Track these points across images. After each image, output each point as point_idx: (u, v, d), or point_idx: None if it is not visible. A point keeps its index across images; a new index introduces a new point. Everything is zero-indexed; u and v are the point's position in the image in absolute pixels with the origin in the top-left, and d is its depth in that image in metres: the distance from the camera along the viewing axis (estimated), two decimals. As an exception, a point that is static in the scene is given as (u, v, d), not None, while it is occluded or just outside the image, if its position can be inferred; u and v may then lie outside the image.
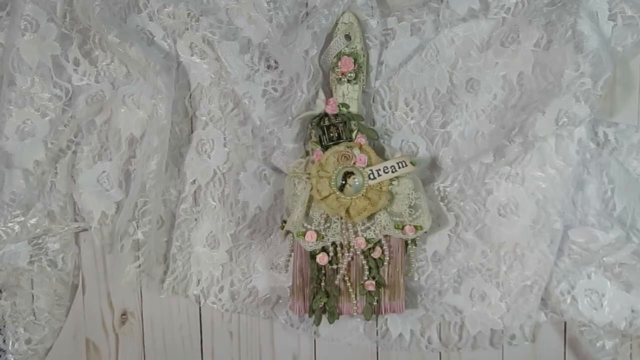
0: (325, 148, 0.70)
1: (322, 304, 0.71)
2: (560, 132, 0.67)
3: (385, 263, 0.71)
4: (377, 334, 0.76)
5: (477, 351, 0.75)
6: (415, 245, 0.72)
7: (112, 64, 0.75)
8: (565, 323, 0.75)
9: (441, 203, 0.72)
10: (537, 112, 0.66)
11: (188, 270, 0.78)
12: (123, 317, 0.81)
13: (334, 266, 0.71)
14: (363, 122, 0.71)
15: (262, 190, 0.75)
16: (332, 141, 0.70)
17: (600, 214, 0.69)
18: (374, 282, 0.70)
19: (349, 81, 0.71)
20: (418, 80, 0.73)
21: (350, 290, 0.71)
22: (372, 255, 0.71)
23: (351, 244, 0.70)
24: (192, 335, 0.81)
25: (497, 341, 0.74)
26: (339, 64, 0.70)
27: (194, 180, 0.76)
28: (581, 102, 0.65)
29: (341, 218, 0.70)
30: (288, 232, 0.71)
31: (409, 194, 0.69)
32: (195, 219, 0.77)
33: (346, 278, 0.71)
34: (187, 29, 0.73)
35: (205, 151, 0.76)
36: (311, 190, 0.69)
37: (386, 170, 0.69)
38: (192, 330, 0.81)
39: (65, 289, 0.80)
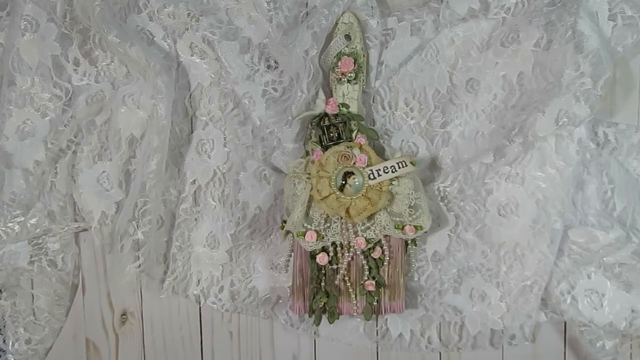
0: (325, 148, 0.70)
1: (322, 304, 0.71)
2: (560, 132, 0.67)
3: (385, 263, 0.71)
4: (377, 334, 0.76)
5: (477, 351, 0.75)
6: (415, 245, 0.72)
7: (112, 64, 0.75)
8: (565, 323, 0.75)
9: (441, 203, 0.72)
10: (537, 112, 0.66)
11: (188, 270, 0.78)
12: (123, 317, 0.81)
13: (334, 266, 0.71)
14: (363, 122, 0.71)
15: (262, 190, 0.75)
16: (332, 141, 0.70)
17: (600, 214, 0.69)
18: (374, 282, 0.70)
19: (349, 81, 0.71)
20: (418, 80, 0.73)
21: (350, 290, 0.71)
22: (372, 255, 0.71)
23: (351, 244, 0.70)
24: (192, 335, 0.81)
25: (497, 341, 0.74)
26: (339, 64, 0.70)
27: (194, 180, 0.76)
28: (581, 102, 0.65)
29: (341, 218, 0.70)
30: (288, 232, 0.71)
31: (409, 194, 0.69)
32: (195, 219, 0.77)
33: (346, 278, 0.71)
34: (187, 29, 0.73)
35: (205, 151, 0.76)
36: (311, 190, 0.69)
37: (386, 170, 0.69)
38: (192, 330, 0.81)
39: (65, 289, 0.80)
